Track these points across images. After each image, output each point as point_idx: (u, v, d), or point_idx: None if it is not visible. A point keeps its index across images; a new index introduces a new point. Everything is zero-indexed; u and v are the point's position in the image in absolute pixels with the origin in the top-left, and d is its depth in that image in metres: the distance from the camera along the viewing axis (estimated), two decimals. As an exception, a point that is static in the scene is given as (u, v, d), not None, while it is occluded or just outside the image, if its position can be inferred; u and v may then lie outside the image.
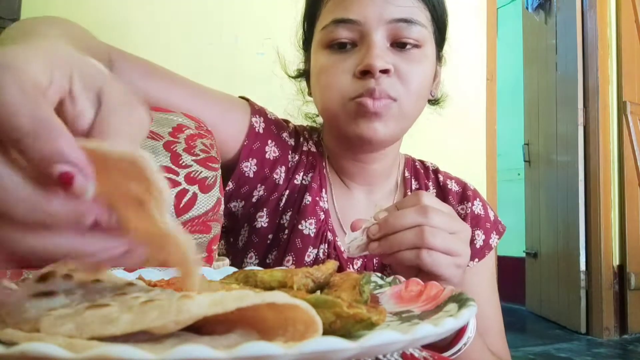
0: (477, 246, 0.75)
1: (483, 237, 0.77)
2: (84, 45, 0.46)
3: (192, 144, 0.53)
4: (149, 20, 1.50)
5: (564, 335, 2.86)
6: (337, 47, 0.66)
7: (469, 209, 0.77)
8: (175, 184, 0.50)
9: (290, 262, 0.69)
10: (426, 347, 0.46)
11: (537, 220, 3.41)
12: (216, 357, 0.19)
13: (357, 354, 0.22)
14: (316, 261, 0.70)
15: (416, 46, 0.66)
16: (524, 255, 3.51)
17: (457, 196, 0.79)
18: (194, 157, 0.53)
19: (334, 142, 0.75)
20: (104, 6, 1.45)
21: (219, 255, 0.64)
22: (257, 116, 0.70)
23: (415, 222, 0.51)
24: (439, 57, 0.74)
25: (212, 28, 1.58)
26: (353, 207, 0.75)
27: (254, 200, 0.70)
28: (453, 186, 0.80)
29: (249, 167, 0.68)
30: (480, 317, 0.77)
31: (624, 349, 2.61)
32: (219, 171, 0.57)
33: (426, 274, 0.52)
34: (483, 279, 0.76)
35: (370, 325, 0.26)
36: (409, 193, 0.77)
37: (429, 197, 0.55)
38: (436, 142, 1.84)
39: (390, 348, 0.24)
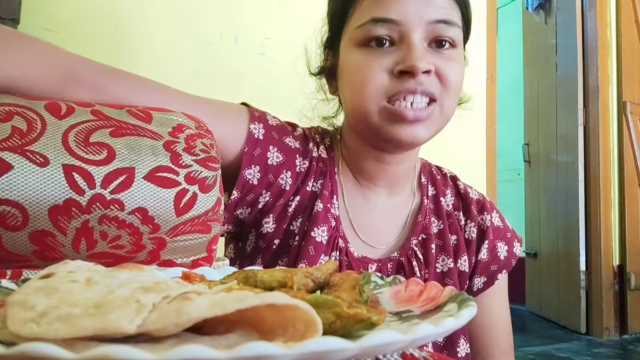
0: (502, 257, 0.76)
1: (506, 247, 0.77)
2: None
3: (192, 143, 0.53)
4: (149, 20, 1.50)
5: (564, 335, 2.86)
6: (375, 44, 0.65)
7: (489, 222, 0.77)
8: (175, 184, 0.50)
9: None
10: None
11: (537, 220, 3.41)
12: (216, 357, 0.19)
13: (357, 354, 0.22)
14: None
15: (452, 46, 0.66)
16: (524, 255, 3.51)
17: (478, 205, 0.79)
18: (194, 157, 0.52)
19: (358, 142, 0.73)
20: (104, 6, 1.45)
21: (227, 259, 0.63)
22: (256, 122, 0.69)
23: None
24: (464, 56, 0.75)
25: (212, 28, 1.58)
26: (370, 211, 0.74)
27: (260, 206, 0.69)
28: (474, 194, 0.80)
29: (252, 174, 0.67)
30: (496, 333, 0.77)
31: (624, 349, 2.61)
32: (219, 171, 0.57)
33: None
34: (504, 290, 0.77)
35: (370, 325, 0.26)
36: (425, 200, 0.77)
37: None
38: (436, 142, 1.84)
39: (390, 348, 0.24)
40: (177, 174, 0.51)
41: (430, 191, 0.78)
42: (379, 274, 0.43)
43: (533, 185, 3.48)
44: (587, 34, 2.95)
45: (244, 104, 0.72)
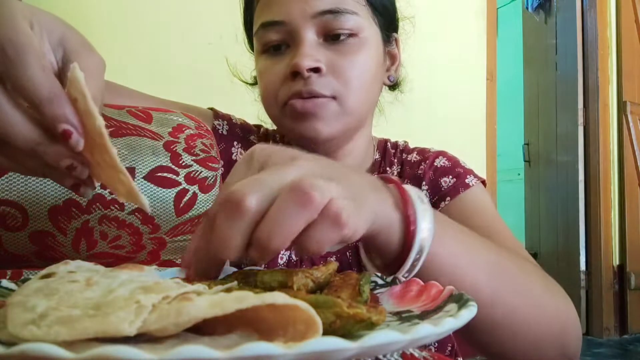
0: (446, 186, 0.71)
1: (454, 179, 0.71)
2: None
3: (192, 143, 0.53)
4: (149, 20, 1.50)
5: (564, 335, 2.86)
6: (272, 50, 0.64)
7: (427, 164, 0.73)
8: (175, 183, 0.50)
9: (262, 266, 0.68)
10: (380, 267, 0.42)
11: (537, 220, 3.41)
12: (216, 357, 0.19)
13: (357, 354, 0.22)
14: (289, 263, 0.69)
15: (352, 35, 0.63)
16: (523, 255, 3.50)
17: (416, 164, 0.75)
18: (194, 157, 0.52)
19: (295, 145, 0.74)
20: (103, 7, 1.45)
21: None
22: (220, 120, 0.71)
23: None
24: (388, 40, 0.71)
25: (212, 28, 1.58)
26: None
27: None
28: (413, 157, 0.76)
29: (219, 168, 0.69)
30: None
31: (624, 349, 2.61)
32: (219, 171, 0.57)
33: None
34: (467, 208, 0.69)
35: (370, 325, 0.26)
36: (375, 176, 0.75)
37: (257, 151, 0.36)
38: (436, 142, 1.84)
39: (390, 348, 0.24)
40: (177, 174, 0.51)
41: (383, 167, 0.76)
42: (379, 274, 0.43)
43: (533, 185, 3.48)
44: (587, 34, 2.95)
45: (210, 109, 0.75)
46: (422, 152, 0.78)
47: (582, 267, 2.89)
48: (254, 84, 0.80)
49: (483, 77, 2.26)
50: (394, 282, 0.42)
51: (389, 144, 0.80)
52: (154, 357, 0.18)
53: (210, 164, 0.54)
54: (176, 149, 0.52)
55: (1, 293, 0.33)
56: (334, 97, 0.62)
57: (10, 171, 0.39)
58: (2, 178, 0.43)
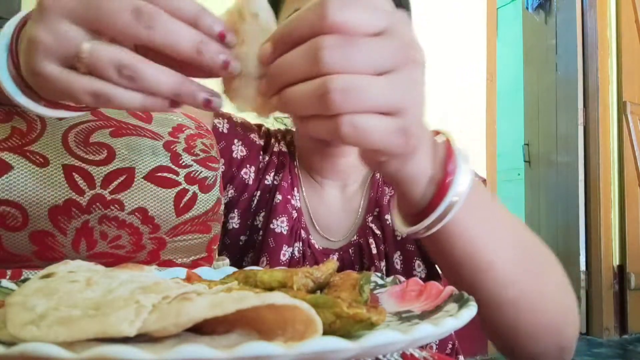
0: None
1: None
2: None
3: (192, 143, 0.53)
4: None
5: (564, 335, 2.86)
6: None
7: None
8: (175, 184, 0.50)
9: (265, 262, 0.68)
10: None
11: (537, 220, 3.41)
12: (216, 357, 0.19)
13: (357, 354, 0.22)
14: (292, 260, 0.69)
15: None
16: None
17: None
18: (194, 157, 0.52)
19: (304, 139, 0.74)
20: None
21: (227, 259, 0.64)
22: (220, 118, 0.71)
23: (309, 25, 0.29)
24: None
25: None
26: (325, 205, 0.74)
27: (224, 201, 0.70)
28: None
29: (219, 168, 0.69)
30: None
31: (624, 349, 2.61)
32: (219, 171, 0.57)
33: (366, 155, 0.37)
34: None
35: (370, 325, 0.26)
36: (372, 195, 0.74)
37: None
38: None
39: (390, 348, 0.24)
40: (177, 174, 0.51)
41: (380, 178, 0.76)
42: (379, 274, 0.43)
43: (533, 185, 3.48)
44: (587, 34, 2.95)
45: None
46: None
47: (582, 267, 2.89)
48: None
49: (483, 77, 2.26)
50: (394, 282, 0.42)
51: None
52: (154, 357, 0.18)
53: (210, 164, 0.54)
54: (176, 149, 0.52)
55: (1, 293, 0.33)
56: None
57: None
58: (2, 178, 0.43)
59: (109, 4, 0.30)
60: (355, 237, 0.72)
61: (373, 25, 0.29)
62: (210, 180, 0.53)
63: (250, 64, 0.33)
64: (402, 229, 0.41)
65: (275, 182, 0.73)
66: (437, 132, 0.42)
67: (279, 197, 0.71)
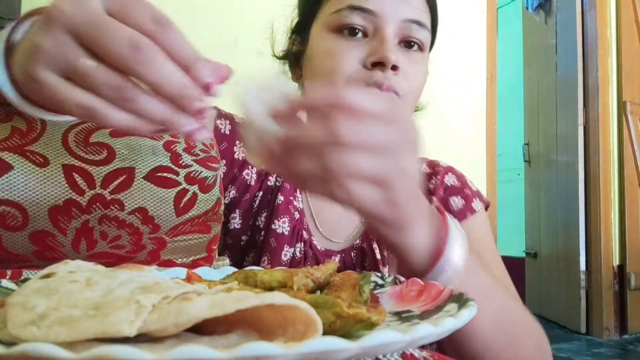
0: (455, 209, 0.74)
1: (462, 201, 0.75)
2: None
3: (192, 143, 0.53)
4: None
5: (564, 335, 2.86)
6: (348, 32, 0.65)
7: (438, 181, 0.77)
8: (175, 184, 0.50)
9: (266, 262, 0.68)
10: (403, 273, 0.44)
11: (537, 220, 3.41)
12: (216, 357, 0.19)
13: (357, 354, 0.22)
14: (293, 260, 0.69)
15: (420, 49, 0.67)
16: (523, 255, 3.51)
17: (426, 176, 0.78)
18: (194, 157, 0.53)
19: None
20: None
21: (227, 259, 0.64)
22: (222, 119, 0.71)
23: (318, 137, 0.34)
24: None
25: (212, 28, 1.58)
26: (329, 206, 0.74)
27: (226, 201, 0.70)
28: (423, 169, 0.79)
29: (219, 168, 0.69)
30: None
31: (624, 349, 2.61)
32: (219, 171, 0.57)
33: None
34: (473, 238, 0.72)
35: (370, 325, 0.26)
36: None
37: (357, 95, 0.35)
38: (436, 142, 1.84)
39: (390, 348, 0.24)
40: (177, 174, 0.51)
41: None
42: (379, 274, 0.43)
43: (533, 185, 3.48)
44: (587, 34, 2.95)
45: (214, 107, 0.74)
46: (431, 164, 0.81)
47: (582, 267, 2.90)
48: (282, 58, 0.79)
49: (483, 77, 2.26)
50: (394, 282, 0.42)
51: None
52: (154, 357, 0.18)
53: (210, 164, 0.54)
54: (176, 149, 0.52)
55: (1, 293, 0.33)
56: (400, 97, 0.64)
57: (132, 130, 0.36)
58: (2, 178, 0.44)
59: (111, 31, 0.31)
60: (358, 241, 0.72)
61: (379, 109, 0.35)
62: (210, 180, 0.53)
63: (263, 124, 0.36)
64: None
65: (277, 184, 0.73)
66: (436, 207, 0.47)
67: (281, 198, 0.71)
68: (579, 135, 2.95)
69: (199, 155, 0.53)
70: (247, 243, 0.71)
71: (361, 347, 0.21)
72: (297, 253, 0.70)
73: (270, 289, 0.35)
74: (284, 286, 0.35)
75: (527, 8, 3.46)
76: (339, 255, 0.71)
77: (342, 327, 0.25)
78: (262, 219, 0.71)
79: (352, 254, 0.71)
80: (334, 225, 0.74)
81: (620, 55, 2.91)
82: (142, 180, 0.48)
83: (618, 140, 2.90)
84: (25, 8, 1.17)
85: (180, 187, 0.50)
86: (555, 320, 3.09)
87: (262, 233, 0.70)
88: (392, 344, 0.23)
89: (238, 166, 0.71)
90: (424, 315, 0.33)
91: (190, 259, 0.54)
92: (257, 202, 0.72)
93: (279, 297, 0.23)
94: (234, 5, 1.64)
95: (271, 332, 0.23)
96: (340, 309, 0.25)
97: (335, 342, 0.20)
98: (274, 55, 0.80)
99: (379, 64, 0.62)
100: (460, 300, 0.32)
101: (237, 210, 0.71)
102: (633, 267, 2.82)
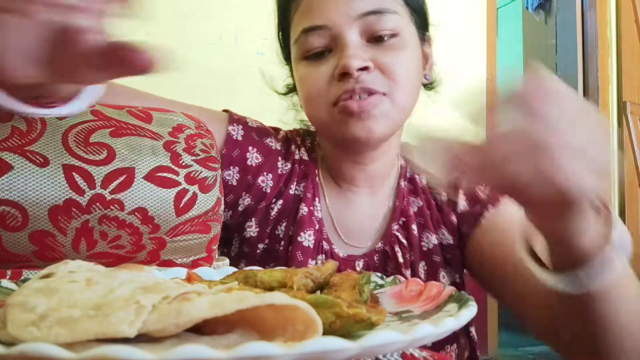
0: (483, 196, 0.71)
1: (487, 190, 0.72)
2: None
3: (192, 143, 0.53)
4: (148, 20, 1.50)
5: None
6: (314, 56, 0.65)
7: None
8: (175, 184, 0.50)
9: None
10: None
11: (537, 220, 3.41)
12: (216, 357, 0.19)
13: (357, 354, 0.22)
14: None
15: (393, 35, 0.64)
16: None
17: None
18: (194, 157, 0.53)
19: (331, 148, 0.73)
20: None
21: (227, 259, 0.63)
22: (235, 124, 0.70)
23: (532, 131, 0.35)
24: (423, 39, 0.72)
25: (212, 28, 1.58)
26: (354, 213, 0.73)
27: (240, 209, 0.69)
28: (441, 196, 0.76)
29: (232, 175, 0.68)
30: None
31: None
32: (219, 171, 0.57)
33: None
34: (503, 220, 0.68)
35: (370, 325, 0.26)
36: (402, 182, 0.74)
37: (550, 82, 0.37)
38: (436, 142, 1.83)
39: (390, 348, 0.24)
40: (177, 174, 0.51)
41: (408, 173, 0.76)
42: (379, 274, 0.43)
43: (533, 185, 3.47)
44: (587, 34, 2.95)
45: (225, 110, 0.73)
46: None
47: (582, 267, 2.89)
48: (286, 93, 0.79)
49: (483, 77, 2.26)
50: (394, 282, 0.42)
51: (408, 171, 0.79)
52: (154, 357, 0.18)
53: (210, 164, 0.54)
54: (176, 149, 0.52)
55: (1, 293, 0.33)
56: (384, 94, 0.63)
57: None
58: (2, 178, 0.44)
59: None
60: (380, 244, 0.71)
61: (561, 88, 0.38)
62: (210, 180, 0.53)
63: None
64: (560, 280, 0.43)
65: (298, 193, 0.71)
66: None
67: (305, 209, 0.69)
68: (579, 135, 2.95)
69: (199, 155, 0.53)
70: (264, 251, 0.70)
71: (361, 347, 0.21)
72: (319, 263, 0.69)
73: (270, 289, 0.35)
74: (283, 286, 0.35)
75: (527, 8, 3.46)
76: (362, 260, 0.70)
77: (342, 327, 0.25)
78: (283, 228, 0.69)
79: (375, 257, 0.70)
80: (355, 231, 0.72)
81: (620, 55, 2.91)
82: (142, 180, 0.48)
83: (618, 140, 2.90)
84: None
85: (180, 187, 0.50)
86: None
87: (282, 243, 0.69)
88: (392, 344, 0.23)
89: (252, 173, 0.69)
90: (424, 315, 0.33)
91: (190, 259, 0.54)
92: (276, 210, 0.70)
93: (279, 297, 0.23)
94: (234, 5, 1.64)
95: (271, 332, 0.23)
96: (340, 309, 0.25)
97: (335, 342, 0.20)
98: (279, 93, 0.80)
99: (346, 74, 0.61)
100: (460, 300, 0.32)
101: (252, 219, 0.69)
102: (633, 267, 2.81)
